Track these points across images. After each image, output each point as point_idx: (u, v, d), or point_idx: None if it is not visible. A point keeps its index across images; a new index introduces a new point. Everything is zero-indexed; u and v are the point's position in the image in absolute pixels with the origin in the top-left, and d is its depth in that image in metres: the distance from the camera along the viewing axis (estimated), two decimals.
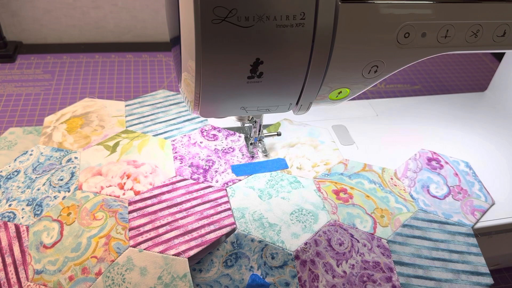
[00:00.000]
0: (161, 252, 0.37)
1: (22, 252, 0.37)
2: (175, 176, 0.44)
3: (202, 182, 0.44)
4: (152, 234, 0.38)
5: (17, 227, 0.39)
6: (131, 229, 0.39)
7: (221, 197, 0.42)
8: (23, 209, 0.40)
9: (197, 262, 0.38)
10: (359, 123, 0.55)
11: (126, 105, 0.54)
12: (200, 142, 0.49)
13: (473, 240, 0.42)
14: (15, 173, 0.44)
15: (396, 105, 0.59)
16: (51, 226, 0.39)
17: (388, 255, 0.39)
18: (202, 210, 0.41)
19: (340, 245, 0.40)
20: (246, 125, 0.49)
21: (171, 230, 0.39)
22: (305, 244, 0.39)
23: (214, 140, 0.49)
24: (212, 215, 0.40)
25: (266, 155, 0.48)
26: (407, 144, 0.52)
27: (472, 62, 0.78)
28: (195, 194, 0.42)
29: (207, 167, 0.46)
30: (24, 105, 0.58)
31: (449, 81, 0.71)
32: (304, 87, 0.32)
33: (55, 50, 0.71)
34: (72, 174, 0.44)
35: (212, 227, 0.39)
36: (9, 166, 0.45)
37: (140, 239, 0.38)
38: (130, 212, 0.40)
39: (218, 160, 0.47)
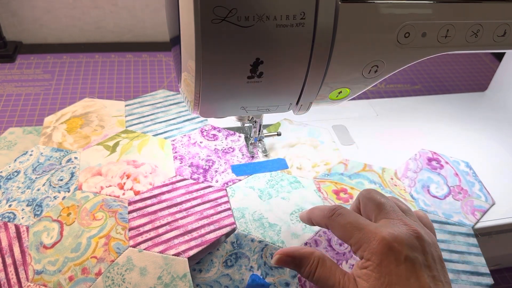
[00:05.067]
0: (161, 252, 0.37)
1: (22, 252, 0.37)
2: (175, 176, 0.44)
3: (202, 182, 0.44)
4: (152, 234, 0.38)
5: (17, 228, 0.39)
6: (131, 229, 0.39)
7: (221, 197, 0.42)
8: (23, 209, 0.40)
9: (197, 262, 0.38)
10: (359, 123, 0.55)
11: (126, 105, 0.54)
12: (200, 142, 0.49)
13: (473, 240, 0.42)
14: (15, 174, 0.44)
15: (396, 105, 0.59)
16: (51, 227, 0.39)
17: None
18: (202, 210, 0.41)
19: (340, 245, 0.40)
20: (246, 125, 0.49)
21: (171, 230, 0.39)
22: (305, 244, 0.39)
23: (214, 140, 0.49)
24: (212, 215, 0.40)
25: (266, 155, 0.48)
26: (407, 144, 0.52)
27: (472, 62, 0.78)
28: (195, 194, 0.42)
29: (207, 167, 0.46)
30: (24, 105, 0.58)
31: (449, 81, 0.71)
32: (304, 87, 0.32)
33: (55, 50, 0.71)
34: (72, 174, 0.44)
35: (212, 227, 0.39)
36: (9, 167, 0.45)
37: (140, 239, 0.38)
38: (130, 212, 0.40)
39: (218, 160, 0.47)
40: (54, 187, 0.42)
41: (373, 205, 0.34)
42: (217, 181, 0.44)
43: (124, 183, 0.43)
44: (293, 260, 0.33)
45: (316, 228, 0.40)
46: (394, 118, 0.56)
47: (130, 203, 0.41)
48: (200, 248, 0.37)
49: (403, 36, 0.32)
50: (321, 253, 0.33)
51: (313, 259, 0.32)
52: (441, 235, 0.42)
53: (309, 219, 0.36)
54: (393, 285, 0.29)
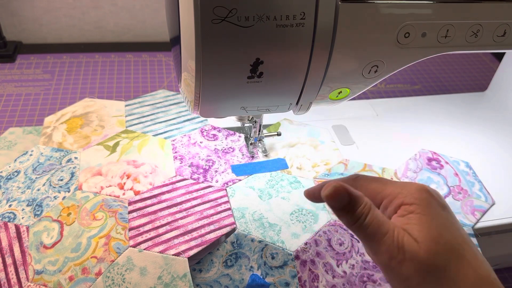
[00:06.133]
0: (161, 252, 0.37)
1: (22, 252, 0.37)
2: (175, 176, 0.44)
3: (202, 182, 0.44)
4: (152, 234, 0.38)
5: (17, 228, 0.39)
6: (131, 229, 0.39)
7: (221, 197, 0.42)
8: (23, 209, 0.40)
9: (197, 262, 0.38)
10: (359, 123, 0.55)
11: (126, 105, 0.54)
12: (200, 142, 0.49)
13: (473, 240, 0.42)
14: (15, 174, 0.44)
15: (396, 105, 0.59)
16: (51, 227, 0.39)
17: None
18: (202, 210, 0.41)
19: (340, 245, 0.40)
20: (246, 125, 0.49)
21: (171, 230, 0.39)
22: (305, 244, 0.39)
23: (214, 140, 0.49)
24: (212, 215, 0.40)
25: (266, 155, 0.48)
26: (407, 144, 0.52)
27: (472, 62, 0.78)
28: (195, 194, 0.42)
29: (207, 167, 0.46)
30: (24, 105, 0.58)
31: (449, 81, 0.71)
32: (304, 87, 0.32)
33: (55, 50, 0.71)
34: (72, 174, 0.44)
35: (212, 227, 0.39)
36: (9, 167, 0.45)
37: (140, 239, 0.38)
38: (130, 212, 0.40)
39: (218, 160, 0.47)
40: (54, 187, 0.42)
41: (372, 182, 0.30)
42: (217, 181, 0.44)
43: (124, 183, 0.43)
44: (348, 196, 0.27)
45: (316, 228, 0.40)
46: (394, 118, 0.56)
47: (130, 203, 0.41)
48: (200, 248, 0.37)
49: (403, 36, 0.32)
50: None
51: (366, 201, 0.28)
52: None
53: (318, 189, 0.30)
54: (445, 228, 0.26)
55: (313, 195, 0.32)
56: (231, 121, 0.45)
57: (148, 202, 0.41)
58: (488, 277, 0.26)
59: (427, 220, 0.26)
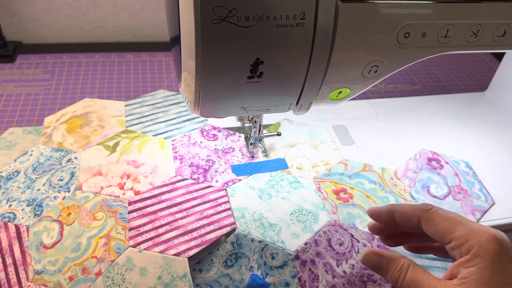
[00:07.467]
0: (161, 252, 0.37)
1: (22, 252, 0.37)
2: (175, 176, 0.44)
3: (202, 182, 0.44)
4: (152, 234, 0.38)
5: (17, 228, 0.39)
6: (131, 229, 0.39)
7: (221, 197, 0.42)
8: (23, 209, 0.40)
9: (197, 262, 0.38)
10: (359, 123, 0.55)
11: (126, 105, 0.54)
12: (200, 142, 0.49)
13: None
14: (15, 174, 0.44)
15: (396, 105, 0.59)
16: (51, 227, 0.39)
17: None
18: (202, 210, 0.41)
19: (340, 245, 0.40)
20: (246, 125, 0.49)
21: (171, 230, 0.39)
22: (305, 244, 0.39)
23: (214, 140, 0.49)
24: (212, 215, 0.40)
25: (266, 155, 0.48)
26: (407, 144, 0.52)
27: (472, 62, 0.78)
28: (195, 194, 0.42)
29: (207, 167, 0.46)
30: (24, 105, 0.58)
31: (449, 81, 0.71)
32: (304, 87, 0.32)
33: (55, 50, 0.71)
34: (72, 174, 0.44)
35: (212, 227, 0.39)
36: (9, 167, 0.45)
37: (140, 239, 0.38)
38: (130, 212, 0.40)
39: (218, 160, 0.47)
40: (54, 187, 0.42)
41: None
42: (217, 181, 0.44)
43: (124, 183, 0.43)
44: (381, 260, 0.31)
45: (316, 228, 0.40)
46: (394, 118, 0.56)
47: (130, 203, 0.41)
48: (200, 248, 0.37)
49: (403, 36, 0.32)
50: (411, 259, 0.31)
51: (404, 261, 0.30)
52: None
53: (390, 211, 0.33)
54: (507, 284, 0.26)
55: (379, 216, 0.35)
56: (231, 121, 0.45)
57: (148, 202, 0.41)
58: None
59: (487, 276, 0.26)
